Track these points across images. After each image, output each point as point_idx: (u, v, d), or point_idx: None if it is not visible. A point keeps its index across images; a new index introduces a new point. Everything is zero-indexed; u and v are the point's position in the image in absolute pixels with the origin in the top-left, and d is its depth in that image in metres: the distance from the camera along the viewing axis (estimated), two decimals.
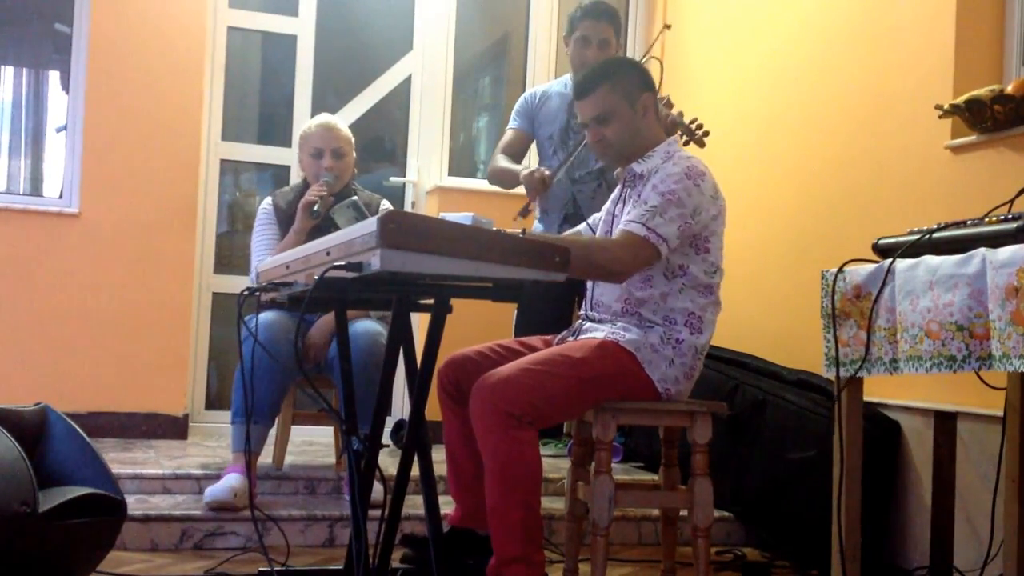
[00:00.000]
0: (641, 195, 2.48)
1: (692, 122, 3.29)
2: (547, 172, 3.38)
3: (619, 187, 2.67)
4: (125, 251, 4.26)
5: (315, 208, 3.26)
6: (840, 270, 2.35)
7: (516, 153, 3.78)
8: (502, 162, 3.68)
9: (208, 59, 4.52)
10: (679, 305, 2.47)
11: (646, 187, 2.48)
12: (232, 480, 3.07)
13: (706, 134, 3.29)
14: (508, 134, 3.83)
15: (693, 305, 2.48)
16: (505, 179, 3.66)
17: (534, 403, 2.27)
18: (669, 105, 3.35)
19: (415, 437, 2.06)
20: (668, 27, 3.71)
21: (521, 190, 3.58)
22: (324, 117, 3.52)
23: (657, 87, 2.69)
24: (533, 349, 2.55)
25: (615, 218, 2.62)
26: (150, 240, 4.28)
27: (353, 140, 3.52)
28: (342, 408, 2.34)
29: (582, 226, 2.84)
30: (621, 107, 2.53)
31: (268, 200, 3.53)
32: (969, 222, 2.11)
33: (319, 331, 3.34)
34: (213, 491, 3.04)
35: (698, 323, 2.49)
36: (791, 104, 3.92)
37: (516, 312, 3.82)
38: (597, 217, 2.80)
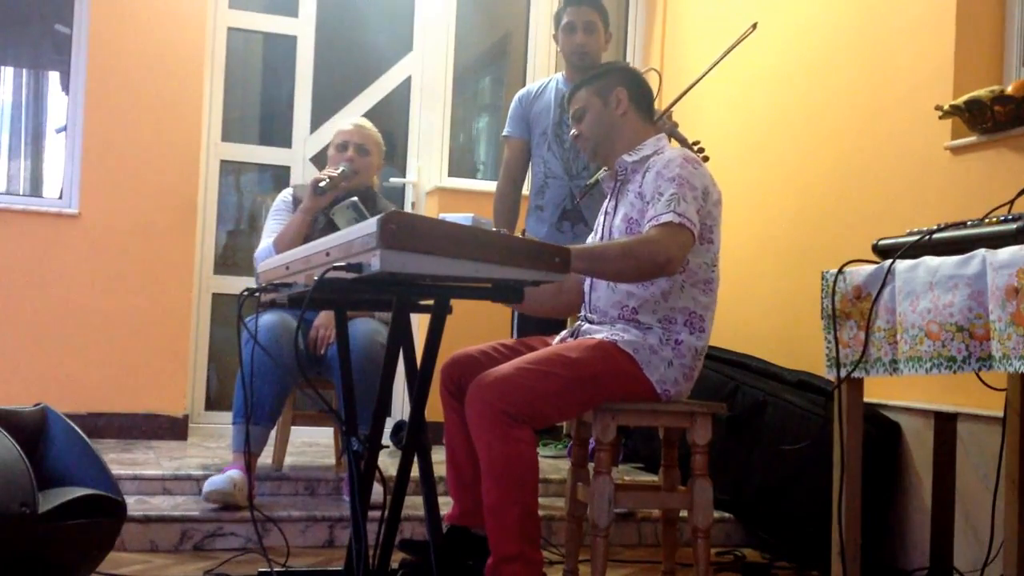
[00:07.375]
0: (641, 188, 2.47)
1: (695, 144, 3.36)
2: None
3: (611, 185, 2.66)
4: (125, 251, 4.25)
5: (321, 184, 3.25)
6: (840, 271, 2.34)
7: (519, 168, 3.81)
8: (507, 195, 3.75)
9: (208, 60, 4.52)
10: (680, 304, 2.46)
11: (646, 179, 2.47)
12: (232, 473, 3.07)
13: (706, 159, 3.33)
14: (507, 150, 3.84)
15: (694, 304, 2.48)
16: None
17: (530, 402, 2.27)
18: (669, 117, 3.41)
19: (415, 438, 2.06)
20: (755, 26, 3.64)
21: (525, 190, 3.57)
22: (361, 119, 3.70)
23: (655, 94, 2.71)
24: (534, 349, 2.55)
25: (608, 216, 2.62)
26: (150, 240, 4.28)
27: (383, 147, 3.59)
28: (342, 409, 2.34)
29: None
30: (593, 102, 2.61)
31: (288, 190, 3.60)
32: (969, 223, 2.11)
33: (326, 316, 3.32)
34: (213, 481, 3.04)
35: (699, 323, 2.48)
36: (791, 105, 3.92)
37: (513, 313, 3.80)
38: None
